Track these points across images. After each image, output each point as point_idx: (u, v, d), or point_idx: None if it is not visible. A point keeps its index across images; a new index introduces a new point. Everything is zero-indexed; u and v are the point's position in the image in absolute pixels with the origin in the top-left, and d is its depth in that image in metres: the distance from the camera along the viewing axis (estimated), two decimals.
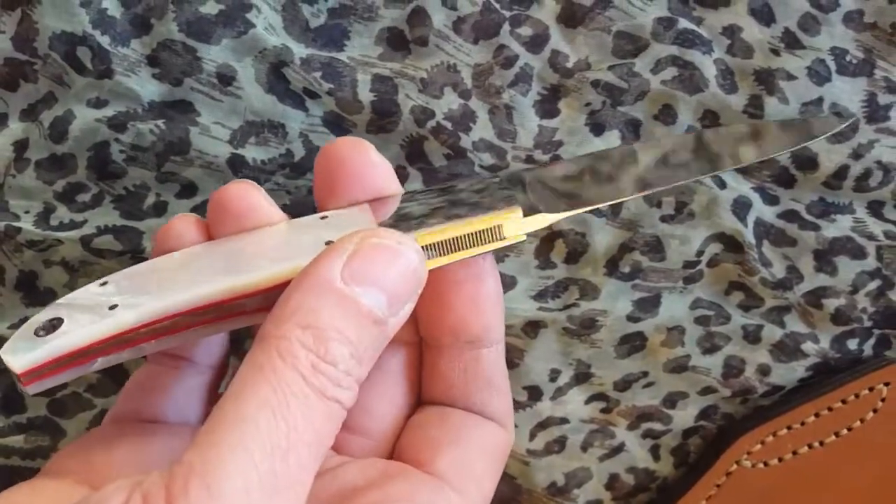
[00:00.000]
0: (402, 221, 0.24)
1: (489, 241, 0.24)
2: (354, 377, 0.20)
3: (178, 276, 0.23)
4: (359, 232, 0.22)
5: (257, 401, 0.18)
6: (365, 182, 0.24)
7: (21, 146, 0.30)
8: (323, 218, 0.24)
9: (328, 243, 0.23)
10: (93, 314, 0.22)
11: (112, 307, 0.22)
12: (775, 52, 0.31)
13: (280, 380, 0.19)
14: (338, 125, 0.30)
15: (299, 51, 0.30)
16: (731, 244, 0.31)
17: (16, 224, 0.29)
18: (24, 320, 0.30)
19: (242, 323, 0.23)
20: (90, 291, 0.23)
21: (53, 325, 0.22)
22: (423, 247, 0.23)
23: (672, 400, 0.33)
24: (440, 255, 0.23)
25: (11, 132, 0.30)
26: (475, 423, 0.25)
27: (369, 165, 0.24)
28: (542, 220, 0.25)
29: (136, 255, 0.30)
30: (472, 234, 0.24)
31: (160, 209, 0.30)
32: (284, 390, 0.19)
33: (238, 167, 0.30)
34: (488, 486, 0.24)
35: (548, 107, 0.31)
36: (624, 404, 0.33)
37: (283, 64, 0.30)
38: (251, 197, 0.24)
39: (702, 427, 0.33)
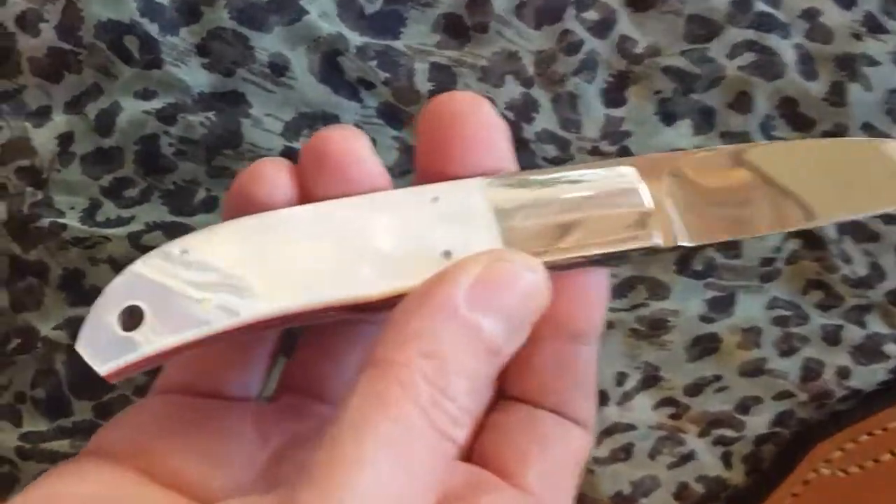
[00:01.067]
0: (524, 222, 0.21)
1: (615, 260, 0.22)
2: (470, 415, 0.19)
3: (279, 271, 0.20)
4: (487, 253, 0.20)
5: (378, 439, 0.17)
6: (480, 150, 0.21)
7: (66, 140, 0.28)
8: (434, 200, 0.21)
9: (445, 254, 0.21)
10: (180, 311, 0.20)
11: (204, 305, 0.20)
12: (857, 36, 0.29)
13: (401, 415, 0.17)
14: (394, 116, 0.29)
15: (354, 39, 0.28)
16: (811, 240, 0.30)
17: (60, 221, 0.28)
18: (69, 321, 0.29)
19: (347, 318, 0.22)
20: (173, 274, 0.20)
21: (135, 319, 0.20)
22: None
23: (745, 405, 0.31)
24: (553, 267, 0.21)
25: (55, 125, 0.28)
26: (563, 428, 0.23)
27: (487, 128, 0.22)
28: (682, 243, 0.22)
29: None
30: (599, 256, 0.22)
31: (210, 205, 0.29)
32: (406, 429, 0.17)
33: (291, 160, 0.28)
34: (571, 498, 0.23)
35: (615, 95, 0.29)
36: (694, 410, 0.31)
37: (338, 53, 0.28)
38: (356, 147, 0.21)
39: (775, 433, 0.32)
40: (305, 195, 0.22)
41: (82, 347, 0.20)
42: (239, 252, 0.21)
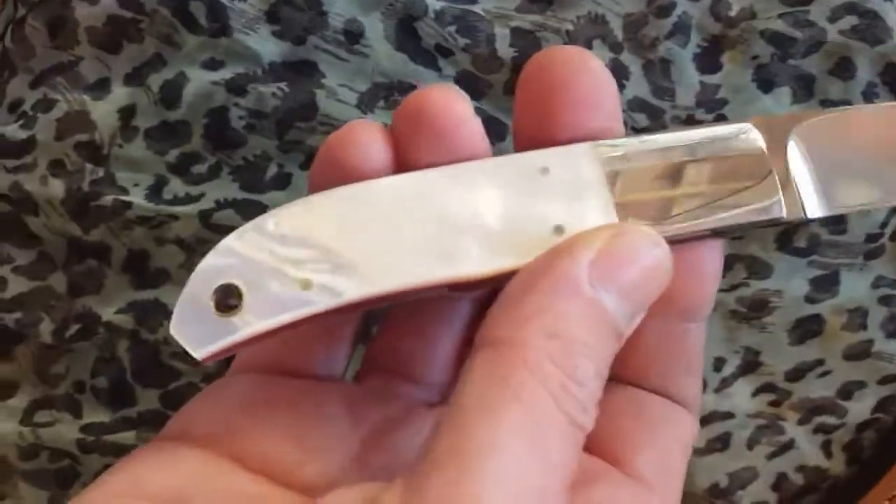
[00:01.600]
0: (646, 193, 0.20)
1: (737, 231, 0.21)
2: (596, 399, 0.17)
3: (382, 247, 0.19)
4: (607, 226, 0.18)
5: (510, 425, 0.16)
6: (588, 109, 0.19)
7: (128, 113, 0.27)
8: (543, 171, 0.19)
9: (557, 229, 0.19)
10: (281, 292, 0.18)
11: (305, 285, 0.18)
12: None
13: (531, 401, 0.16)
14: (473, 86, 0.27)
15: (432, 3, 0.27)
16: None
17: (124, 198, 0.27)
18: (132, 305, 0.27)
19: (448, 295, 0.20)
20: (269, 250, 0.18)
21: (232, 300, 0.18)
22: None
23: (848, 390, 0.29)
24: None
25: (115, 98, 0.27)
26: (670, 412, 0.21)
27: (596, 85, 0.19)
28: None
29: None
30: (720, 228, 0.20)
31: (283, 181, 0.27)
32: (539, 415, 0.16)
33: None
34: (682, 483, 0.21)
35: (709, 60, 0.28)
36: (796, 396, 0.29)
37: (414, 18, 0.27)
38: (458, 107, 0.19)
39: (877, 420, 0.30)
40: (400, 162, 0.20)
41: (177, 331, 0.18)
42: (337, 226, 0.19)
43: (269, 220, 0.19)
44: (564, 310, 0.17)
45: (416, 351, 0.22)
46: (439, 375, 0.22)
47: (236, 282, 0.18)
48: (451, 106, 0.19)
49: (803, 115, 0.21)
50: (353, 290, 0.19)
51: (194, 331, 0.18)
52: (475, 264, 0.19)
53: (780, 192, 0.20)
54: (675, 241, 0.19)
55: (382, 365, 0.22)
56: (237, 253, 0.19)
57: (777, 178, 0.20)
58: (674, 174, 0.20)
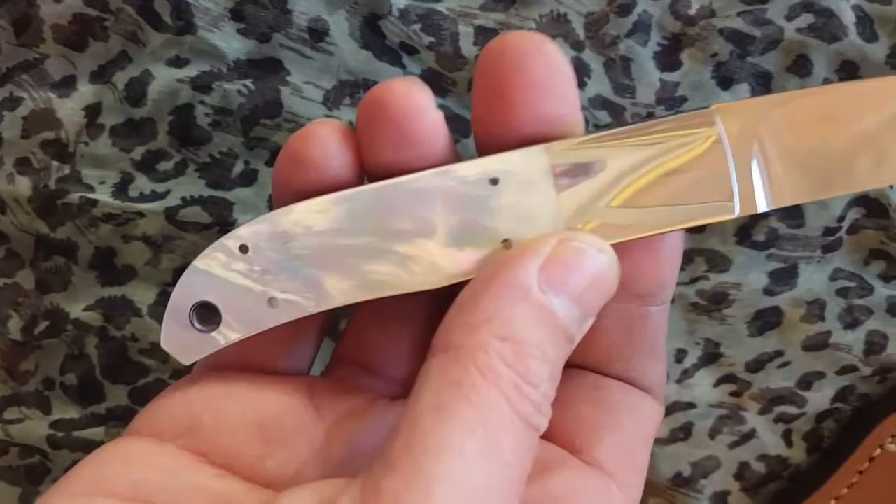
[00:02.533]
0: (593, 204, 0.20)
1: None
2: (550, 400, 0.18)
3: (340, 261, 0.20)
4: (555, 234, 0.19)
5: (462, 427, 0.16)
6: (543, 95, 0.19)
7: (93, 111, 0.27)
8: (493, 182, 0.20)
9: (505, 244, 0.19)
10: (251, 308, 0.20)
11: (271, 301, 0.20)
12: None
13: (484, 402, 0.16)
14: (437, 84, 0.28)
15: (396, 1, 0.27)
16: (875, 208, 0.28)
17: (90, 196, 0.27)
18: (100, 302, 0.28)
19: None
20: (237, 270, 0.20)
21: (210, 315, 0.20)
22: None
23: (808, 381, 0.30)
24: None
25: (81, 96, 0.27)
26: (633, 399, 0.22)
27: (551, 70, 0.19)
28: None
29: (224, 227, 0.27)
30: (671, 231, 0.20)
31: (249, 178, 0.27)
32: (490, 417, 0.16)
33: None
34: (645, 470, 0.21)
35: (669, 58, 0.28)
36: (756, 387, 0.30)
37: (379, 16, 0.27)
38: (417, 98, 0.19)
39: (837, 409, 0.30)
40: (363, 158, 0.20)
41: (166, 344, 0.20)
42: (296, 243, 0.20)
43: (232, 240, 0.20)
44: (515, 314, 0.17)
45: (380, 346, 0.23)
46: (401, 370, 0.22)
47: (211, 300, 0.20)
48: (411, 96, 0.20)
49: (767, 100, 0.21)
50: (313, 304, 0.20)
51: (181, 344, 0.20)
52: (429, 276, 0.20)
53: (736, 189, 0.20)
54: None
55: (349, 359, 0.23)
56: (206, 273, 0.20)
57: (733, 173, 0.20)
58: (625, 176, 0.20)
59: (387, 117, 0.19)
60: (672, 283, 0.21)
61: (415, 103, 0.19)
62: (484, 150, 0.20)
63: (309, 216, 0.20)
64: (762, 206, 0.21)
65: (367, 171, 0.20)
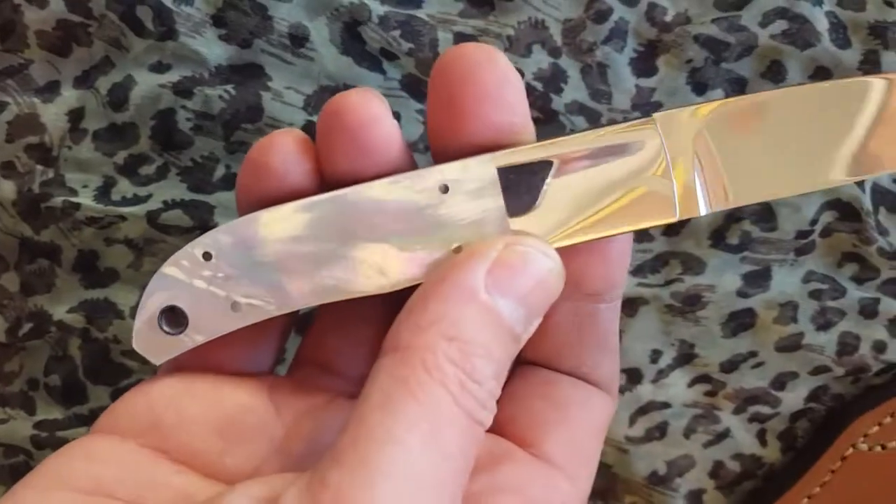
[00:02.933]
0: (537, 208, 0.21)
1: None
2: (495, 397, 0.18)
3: (298, 266, 0.21)
4: (502, 237, 0.20)
5: (407, 421, 0.17)
6: (493, 104, 0.20)
7: (76, 116, 0.27)
8: (444, 191, 0.20)
9: (457, 250, 0.20)
10: (215, 312, 0.21)
11: (234, 305, 0.21)
12: (889, 3, 0.28)
13: (429, 398, 0.17)
14: (417, 88, 0.28)
15: (376, 8, 0.27)
16: (847, 212, 0.29)
17: (74, 199, 0.27)
18: (83, 304, 0.28)
19: None
20: (201, 275, 0.21)
21: (177, 318, 0.21)
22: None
23: (781, 381, 0.30)
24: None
25: (65, 101, 0.27)
26: (583, 393, 0.22)
27: (500, 80, 0.20)
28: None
29: (205, 231, 0.27)
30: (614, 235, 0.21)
31: (230, 182, 0.28)
32: (435, 412, 0.17)
33: (313, 135, 0.27)
34: (595, 463, 0.22)
35: (645, 64, 0.28)
36: (730, 387, 0.30)
37: (359, 22, 0.27)
38: (372, 107, 0.20)
39: (811, 409, 0.31)
40: (322, 165, 0.21)
41: (138, 346, 0.21)
42: (257, 250, 0.21)
43: (197, 247, 0.21)
44: (462, 315, 0.18)
45: (339, 347, 0.23)
46: (359, 370, 0.23)
47: (179, 304, 0.21)
48: (366, 106, 0.20)
49: (702, 106, 0.21)
50: (275, 308, 0.21)
51: (152, 346, 0.21)
52: (380, 281, 0.21)
53: (675, 193, 0.21)
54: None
55: (310, 360, 0.24)
56: (172, 278, 0.21)
57: (673, 178, 0.21)
58: (570, 187, 0.21)
59: (343, 126, 0.20)
60: (621, 282, 0.22)
61: (370, 113, 0.20)
62: (439, 158, 0.21)
63: (270, 224, 0.21)
64: (703, 210, 0.21)
65: (326, 179, 0.21)
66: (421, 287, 0.19)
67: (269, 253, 0.21)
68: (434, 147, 0.21)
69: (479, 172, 0.20)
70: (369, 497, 0.16)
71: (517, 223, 0.21)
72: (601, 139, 0.21)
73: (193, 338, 0.21)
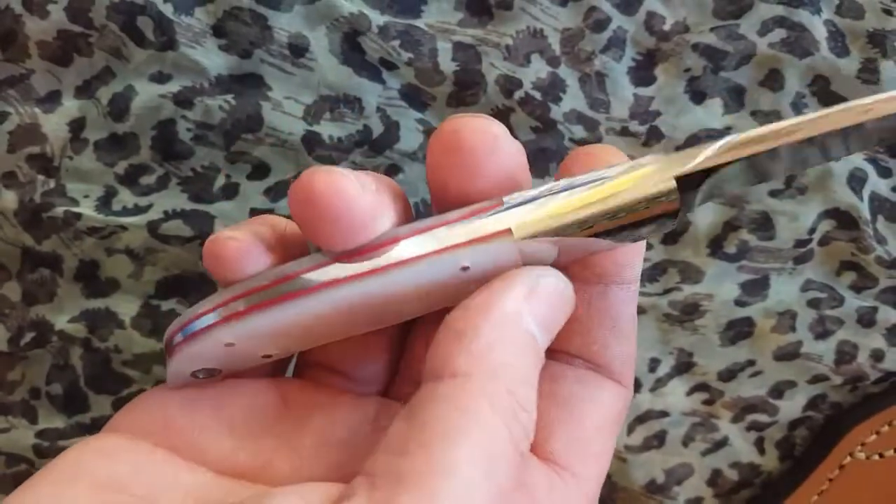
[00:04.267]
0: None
1: None
2: (532, 430, 0.19)
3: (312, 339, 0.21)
4: (529, 269, 0.20)
5: (471, 454, 0.17)
6: (496, 184, 0.21)
7: (77, 126, 0.27)
8: (464, 270, 0.20)
9: (464, 269, 0.20)
10: (245, 360, 0.22)
11: (265, 357, 0.21)
12: (888, 12, 0.28)
13: (489, 431, 0.18)
14: (417, 98, 0.28)
15: (375, 18, 0.27)
16: (846, 220, 0.29)
17: (74, 210, 0.27)
18: (84, 313, 0.28)
19: None
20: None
21: (211, 369, 0.22)
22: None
23: (779, 390, 0.30)
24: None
25: (66, 110, 0.27)
26: (590, 389, 0.22)
27: (503, 165, 0.21)
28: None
29: (205, 240, 0.27)
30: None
31: (231, 191, 0.28)
32: (493, 445, 0.18)
33: (313, 145, 0.27)
34: (606, 459, 0.22)
35: (643, 73, 0.29)
36: (728, 395, 0.30)
37: (359, 33, 0.27)
38: (345, 190, 0.19)
39: (809, 418, 0.31)
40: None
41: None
42: (273, 340, 0.21)
43: (214, 309, 0.20)
44: (512, 342, 0.19)
45: (344, 348, 0.24)
46: (364, 371, 0.23)
47: (210, 366, 0.21)
48: (336, 187, 0.19)
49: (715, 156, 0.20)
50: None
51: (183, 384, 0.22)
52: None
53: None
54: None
55: (315, 361, 0.24)
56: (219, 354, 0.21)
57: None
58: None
59: (320, 219, 0.20)
60: (635, 262, 0.22)
61: (341, 197, 0.19)
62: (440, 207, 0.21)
63: (283, 316, 0.20)
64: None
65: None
66: (464, 311, 0.19)
67: (284, 339, 0.21)
68: (435, 199, 0.21)
69: (500, 255, 0.20)
70: None
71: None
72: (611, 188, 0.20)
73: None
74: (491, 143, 0.20)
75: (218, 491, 0.20)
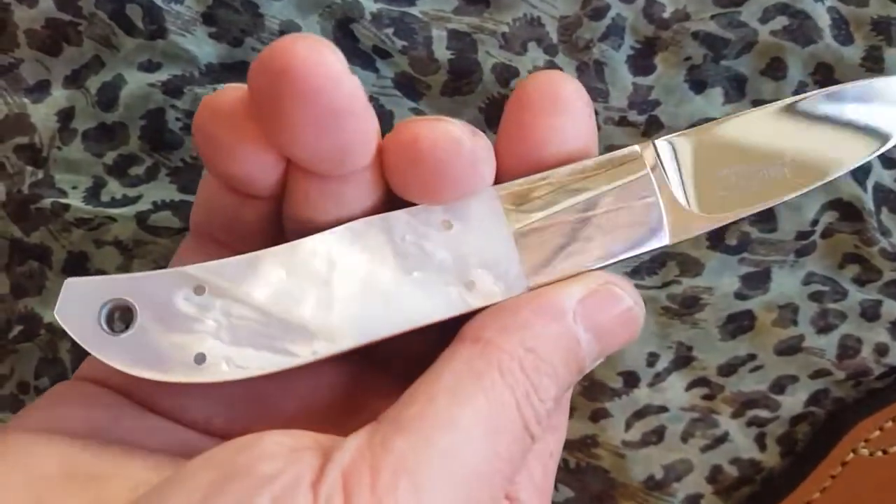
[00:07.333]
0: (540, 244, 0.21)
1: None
2: (549, 419, 0.19)
3: (317, 310, 0.19)
4: (598, 274, 0.20)
5: (473, 412, 0.18)
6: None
7: (66, 116, 0.27)
8: (448, 227, 0.20)
9: (468, 284, 0.20)
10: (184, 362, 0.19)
11: (203, 361, 0.19)
12: None
13: (497, 398, 0.18)
14: (411, 87, 0.28)
15: (369, 5, 0.27)
16: (849, 212, 0.28)
17: (63, 201, 0.27)
18: None
19: None
20: (181, 308, 0.19)
21: (125, 322, 0.19)
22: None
23: (781, 385, 0.30)
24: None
25: (55, 100, 0.27)
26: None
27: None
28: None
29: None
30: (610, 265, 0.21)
31: None
32: (498, 412, 0.18)
33: None
34: (547, 496, 0.22)
35: (642, 62, 0.28)
36: (728, 390, 0.30)
37: (352, 20, 0.27)
38: (330, 65, 0.17)
39: (811, 413, 0.30)
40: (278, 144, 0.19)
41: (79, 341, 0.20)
42: (266, 289, 0.19)
43: (185, 281, 0.19)
44: (546, 331, 0.19)
45: None
46: None
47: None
48: (322, 63, 0.17)
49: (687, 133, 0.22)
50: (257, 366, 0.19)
51: (90, 344, 0.20)
52: (389, 325, 0.20)
53: (666, 222, 0.21)
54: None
55: None
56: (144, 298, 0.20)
57: (661, 204, 0.21)
58: (570, 220, 0.21)
59: (292, 92, 0.17)
60: None
61: (323, 69, 0.17)
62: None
63: (274, 264, 0.20)
64: (695, 231, 0.22)
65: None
66: (517, 296, 0.20)
67: (282, 293, 0.20)
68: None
69: (482, 209, 0.20)
70: (427, 474, 0.16)
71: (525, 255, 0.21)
72: (592, 172, 0.21)
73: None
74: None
75: (201, 445, 0.19)
